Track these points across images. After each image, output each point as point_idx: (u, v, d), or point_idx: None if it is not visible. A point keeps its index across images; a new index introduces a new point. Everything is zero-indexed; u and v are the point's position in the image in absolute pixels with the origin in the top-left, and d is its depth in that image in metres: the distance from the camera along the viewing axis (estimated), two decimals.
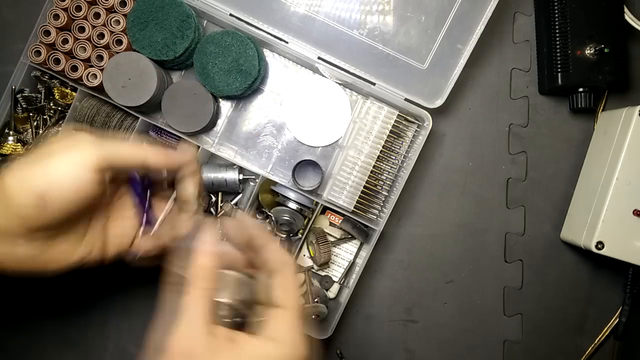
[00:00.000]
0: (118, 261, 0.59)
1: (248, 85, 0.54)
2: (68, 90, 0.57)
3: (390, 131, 0.55)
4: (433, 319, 0.61)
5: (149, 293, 0.60)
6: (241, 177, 0.56)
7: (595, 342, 0.61)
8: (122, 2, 0.54)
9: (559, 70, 0.57)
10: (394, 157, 0.56)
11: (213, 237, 0.38)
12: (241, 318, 0.37)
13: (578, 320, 0.61)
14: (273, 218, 0.57)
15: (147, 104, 0.53)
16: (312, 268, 0.59)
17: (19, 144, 0.57)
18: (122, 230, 0.45)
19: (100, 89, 0.54)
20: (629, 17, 0.57)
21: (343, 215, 0.56)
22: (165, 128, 0.55)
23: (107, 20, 0.54)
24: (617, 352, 0.58)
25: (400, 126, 0.56)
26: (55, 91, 0.56)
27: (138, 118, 0.54)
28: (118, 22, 0.54)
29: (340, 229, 0.58)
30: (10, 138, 0.57)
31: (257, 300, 0.38)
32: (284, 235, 0.57)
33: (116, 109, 0.55)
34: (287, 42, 0.54)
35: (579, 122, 0.61)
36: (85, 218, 0.42)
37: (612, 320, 0.60)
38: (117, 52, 0.54)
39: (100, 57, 0.54)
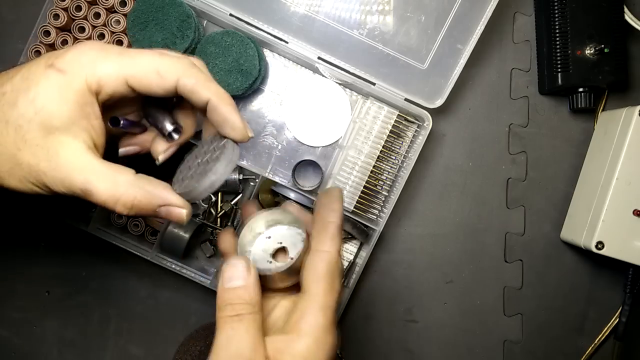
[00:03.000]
0: (118, 261, 0.59)
1: (248, 85, 0.54)
2: None
3: (390, 131, 0.55)
4: (433, 319, 0.61)
5: (149, 293, 0.60)
6: (241, 177, 0.56)
7: (595, 342, 0.61)
8: (122, 2, 0.54)
9: (559, 70, 0.57)
10: (394, 157, 0.56)
11: (243, 263, 0.36)
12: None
13: (578, 320, 0.61)
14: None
15: None
16: None
17: None
18: None
19: None
20: (629, 17, 0.57)
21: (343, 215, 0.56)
22: None
23: (107, 21, 0.54)
24: (617, 352, 0.58)
25: (400, 126, 0.56)
26: None
27: None
28: (118, 22, 0.54)
29: None
30: None
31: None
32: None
33: None
34: (287, 42, 0.54)
35: (579, 122, 0.61)
36: None
37: (612, 320, 0.60)
38: None
39: None
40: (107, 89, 0.34)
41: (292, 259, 0.37)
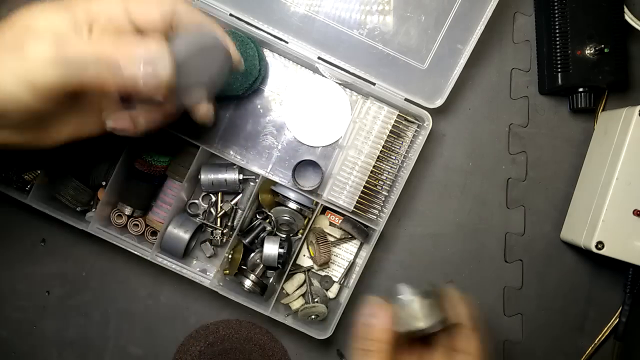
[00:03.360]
0: (118, 261, 0.59)
1: (249, 85, 0.54)
2: None
3: (390, 131, 0.55)
4: None
5: (149, 293, 0.60)
6: (241, 177, 0.56)
7: (595, 342, 0.61)
8: None
9: (559, 70, 0.57)
10: (394, 157, 0.56)
11: (386, 312, 0.41)
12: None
13: (578, 320, 0.61)
14: (273, 218, 0.57)
15: None
16: (312, 268, 0.59)
17: None
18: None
19: None
20: (629, 17, 0.57)
21: (343, 215, 0.56)
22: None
23: None
24: (617, 352, 0.58)
25: (400, 126, 0.56)
26: None
27: None
28: None
29: (340, 229, 0.58)
30: None
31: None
32: (284, 236, 0.58)
33: None
34: (287, 42, 0.54)
35: (579, 122, 0.61)
36: (70, 105, 0.41)
37: (612, 320, 0.60)
38: None
39: None
40: (106, 14, 0.39)
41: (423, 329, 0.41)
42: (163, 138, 0.54)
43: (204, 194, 0.59)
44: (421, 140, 0.55)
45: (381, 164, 0.55)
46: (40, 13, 0.37)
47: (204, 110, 0.45)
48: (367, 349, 0.41)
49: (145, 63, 0.36)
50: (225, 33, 0.45)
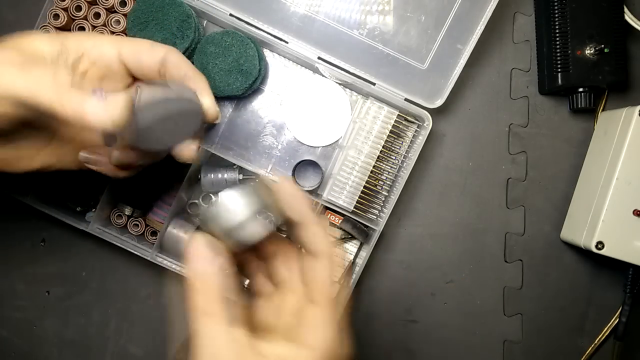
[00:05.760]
0: (118, 261, 0.59)
1: (249, 85, 0.54)
2: None
3: (390, 131, 0.55)
4: (433, 319, 0.61)
5: (149, 293, 0.60)
6: (241, 177, 0.56)
7: (595, 342, 0.61)
8: (122, 2, 0.54)
9: (559, 70, 0.57)
10: (394, 157, 0.56)
11: (206, 244, 0.33)
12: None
13: (578, 320, 0.61)
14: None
15: None
16: None
17: None
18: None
19: None
20: (629, 17, 0.57)
21: (343, 215, 0.56)
22: None
23: (107, 21, 0.54)
24: (617, 352, 0.58)
25: (400, 126, 0.56)
26: None
27: None
28: (118, 22, 0.54)
29: (340, 229, 0.58)
30: None
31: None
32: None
33: None
34: (287, 42, 0.54)
35: (579, 122, 0.61)
36: (42, 130, 0.41)
37: (612, 320, 0.60)
38: None
39: None
40: (96, 51, 0.40)
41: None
42: None
43: (204, 194, 0.59)
44: (421, 140, 0.55)
45: (381, 164, 0.55)
46: (33, 38, 0.38)
47: (186, 152, 0.43)
48: (206, 310, 0.31)
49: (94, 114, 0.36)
50: (206, 86, 0.45)
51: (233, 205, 0.35)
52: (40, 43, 0.38)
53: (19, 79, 0.35)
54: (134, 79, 0.45)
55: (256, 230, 0.35)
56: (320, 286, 0.35)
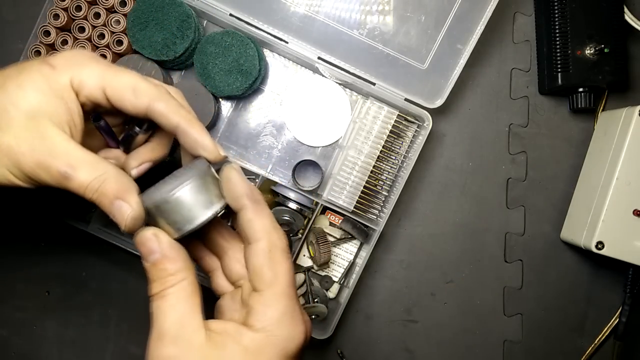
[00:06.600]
0: (118, 261, 0.59)
1: (249, 85, 0.54)
2: None
3: (390, 131, 0.55)
4: (433, 319, 0.61)
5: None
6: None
7: (595, 342, 0.61)
8: (122, 2, 0.54)
9: (559, 70, 0.57)
10: (394, 157, 0.56)
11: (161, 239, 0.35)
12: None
13: (578, 320, 0.61)
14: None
15: None
16: (312, 268, 0.59)
17: None
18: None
19: None
20: (629, 17, 0.57)
21: (343, 215, 0.56)
22: None
23: (107, 21, 0.54)
24: (617, 352, 0.58)
25: (400, 126, 0.56)
26: None
27: None
28: (118, 22, 0.54)
29: (340, 229, 0.58)
30: None
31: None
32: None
33: None
34: (287, 42, 0.54)
35: (579, 122, 0.61)
36: None
37: (612, 320, 0.60)
38: (118, 53, 0.54)
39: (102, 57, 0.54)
40: (85, 92, 0.36)
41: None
42: None
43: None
44: (421, 140, 0.55)
45: (381, 164, 0.55)
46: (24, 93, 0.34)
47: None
48: (165, 287, 0.35)
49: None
50: (202, 130, 0.38)
51: (187, 200, 0.35)
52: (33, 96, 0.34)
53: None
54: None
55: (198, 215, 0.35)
56: (258, 272, 0.36)
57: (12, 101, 0.34)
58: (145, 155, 0.41)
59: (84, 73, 0.36)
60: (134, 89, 0.36)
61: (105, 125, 0.39)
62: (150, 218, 0.36)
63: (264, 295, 0.35)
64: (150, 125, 0.40)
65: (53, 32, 0.54)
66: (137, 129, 0.40)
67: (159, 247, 0.35)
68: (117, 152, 0.42)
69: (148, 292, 0.35)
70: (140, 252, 0.35)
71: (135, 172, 0.40)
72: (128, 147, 0.41)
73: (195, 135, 0.37)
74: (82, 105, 0.36)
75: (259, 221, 0.36)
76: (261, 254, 0.36)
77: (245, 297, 0.37)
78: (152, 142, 0.41)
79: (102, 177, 0.35)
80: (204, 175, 0.36)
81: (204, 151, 0.37)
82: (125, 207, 0.35)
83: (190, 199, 0.35)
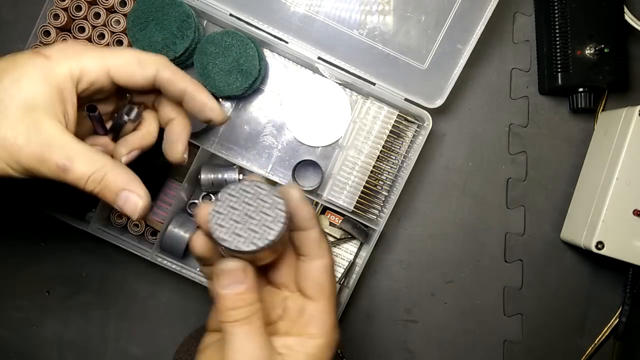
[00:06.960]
0: (118, 261, 0.59)
1: (249, 85, 0.54)
2: None
3: (390, 131, 0.55)
4: (433, 319, 0.61)
5: (149, 293, 0.60)
6: (241, 177, 0.56)
7: (595, 342, 0.61)
8: (122, 2, 0.54)
9: (559, 70, 0.57)
10: (394, 157, 0.56)
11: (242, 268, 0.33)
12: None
13: (578, 320, 0.61)
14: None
15: None
16: None
17: None
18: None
19: None
20: (629, 17, 0.57)
21: (343, 215, 0.56)
22: None
23: (107, 21, 0.54)
24: (617, 352, 0.58)
25: (400, 126, 0.56)
26: None
27: None
28: (118, 22, 0.54)
29: (340, 229, 0.58)
30: None
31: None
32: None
33: None
34: (287, 42, 0.54)
35: (579, 122, 0.61)
36: None
37: (612, 320, 0.60)
38: None
39: None
40: (89, 77, 0.36)
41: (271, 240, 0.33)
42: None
43: (204, 194, 0.59)
44: (421, 140, 0.55)
45: (381, 164, 0.55)
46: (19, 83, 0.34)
47: (175, 155, 0.44)
48: (245, 317, 0.33)
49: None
50: (207, 94, 0.41)
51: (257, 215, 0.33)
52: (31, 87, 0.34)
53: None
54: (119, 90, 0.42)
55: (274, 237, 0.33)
56: (321, 286, 0.37)
57: (7, 93, 0.34)
58: (134, 143, 0.42)
59: (84, 60, 0.36)
60: (139, 61, 0.38)
61: (98, 115, 0.40)
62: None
63: (323, 305, 0.36)
64: (138, 114, 0.41)
65: (53, 32, 0.54)
66: (125, 117, 0.40)
67: (245, 278, 0.33)
68: (105, 140, 0.43)
69: (221, 317, 0.33)
70: (220, 279, 0.33)
71: (125, 159, 0.41)
72: (117, 135, 0.42)
73: (203, 98, 0.40)
74: (81, 93, 0.37)
75: (325, 242, 0.37)
76: (327, 270, 0.37)
77: (293, 303, 0.37)
78: (141, 130, 0.43)
79: (102, 170, 0.35)
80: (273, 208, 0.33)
81: (211, 112, 0.40)
82: (133, 197, 0.36)
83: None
